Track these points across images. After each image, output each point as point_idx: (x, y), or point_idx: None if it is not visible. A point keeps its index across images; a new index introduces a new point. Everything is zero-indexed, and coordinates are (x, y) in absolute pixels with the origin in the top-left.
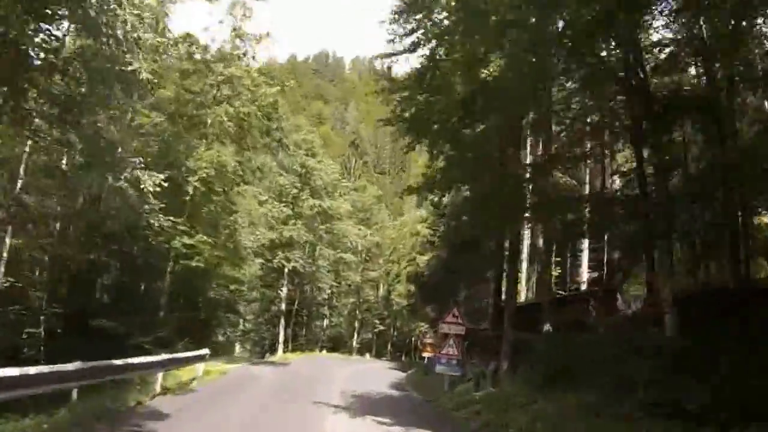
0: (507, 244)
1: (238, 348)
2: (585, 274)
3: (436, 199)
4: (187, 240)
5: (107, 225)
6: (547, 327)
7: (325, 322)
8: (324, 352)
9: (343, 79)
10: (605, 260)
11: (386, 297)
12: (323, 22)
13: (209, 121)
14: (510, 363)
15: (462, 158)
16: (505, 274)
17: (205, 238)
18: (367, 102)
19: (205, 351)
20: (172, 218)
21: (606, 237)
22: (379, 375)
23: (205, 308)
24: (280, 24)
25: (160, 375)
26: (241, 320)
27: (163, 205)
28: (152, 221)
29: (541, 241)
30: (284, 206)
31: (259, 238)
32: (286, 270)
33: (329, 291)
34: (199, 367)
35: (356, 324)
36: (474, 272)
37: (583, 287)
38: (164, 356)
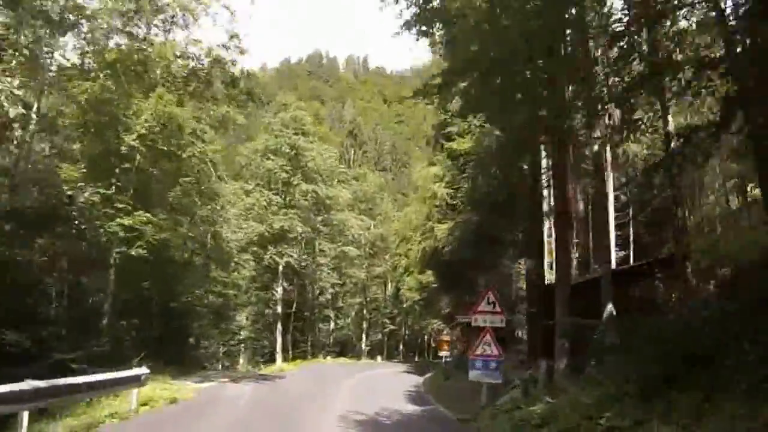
0: (551, 200)
1: (241, 360)
2: (612, 253)
3: (454, 145)
4: (126, 221)
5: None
6: (609, 309)
7: (331, 325)
8: (329, 358)
9: (338, 79)
10: (632, 238)
11: (395, 294)
12: (314, 23)
13: (158, 72)
14: (569, 361)
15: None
16: (553, 242)
17: (147, 215)
18: (364, 99)
19: (140, 371)
20: (102, 190)
21: (631, 212)
22: (391, 383)
23: (184, 315)
24: (272, 29)
25: (25, 416)
26: (239, 329)
27: (84, 170)
28: (72, 194)
29: (581, 206)
30: (273, 194)
31: (248, 233)
32: (280, 267)
33: (332, 290)
34: (133, 395)
35: (364, 325)
36: (512, 243)
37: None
38: (32, 384)
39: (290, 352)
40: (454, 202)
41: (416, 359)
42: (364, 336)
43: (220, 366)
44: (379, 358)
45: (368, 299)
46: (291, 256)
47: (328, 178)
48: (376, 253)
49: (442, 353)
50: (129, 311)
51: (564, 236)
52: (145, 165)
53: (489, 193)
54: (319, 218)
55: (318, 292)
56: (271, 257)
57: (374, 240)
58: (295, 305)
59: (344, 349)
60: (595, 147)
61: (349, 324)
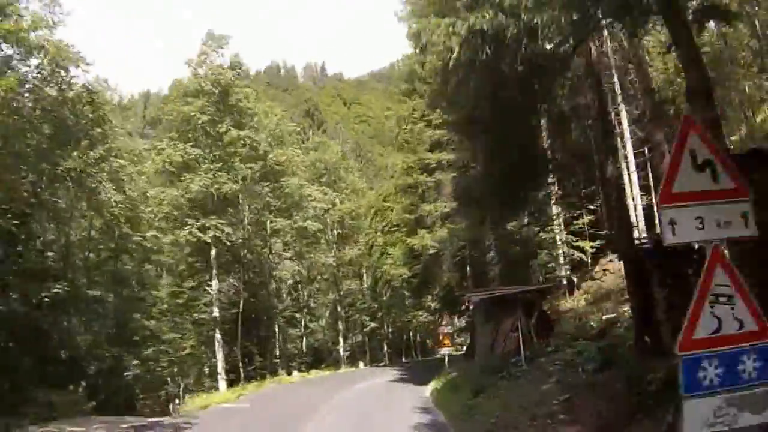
0: None
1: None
2: (638, 198)
3: None
4: None
5: None
6: None
7: (301, 329)
8: (296, 373)
9: (297, 87)
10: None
11: (373, 285)
12: (270, 34)
13: None
14: None
15: None
16: None
17: None
18: (324, 103)
19: None
20: None
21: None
22: (384, 411)
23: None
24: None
25: None
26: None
27: None
28: None
29: None
30: (191, 146)
31: (158, 201)
32: (212, 252)
33: (292, 281)
34: None
35: (340, 326)
36: None
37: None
38: None
39: (241, 372)
40: None
41: (403, 359)
42: (341, 339)
43: (179, 398)
44: (361, 364)
45: (342, 293)
46: (221, 230)
47: (275, 138)
48: (347, 236)
49: (444, 350)
50: None
51: None
52: None
53: None
54: (266, 186)
55: (273, 286)
56: (190, 233)
57: (342, 218)
58: (242, 305)
59: (319, 357)
60: None
61: (323, 327)
